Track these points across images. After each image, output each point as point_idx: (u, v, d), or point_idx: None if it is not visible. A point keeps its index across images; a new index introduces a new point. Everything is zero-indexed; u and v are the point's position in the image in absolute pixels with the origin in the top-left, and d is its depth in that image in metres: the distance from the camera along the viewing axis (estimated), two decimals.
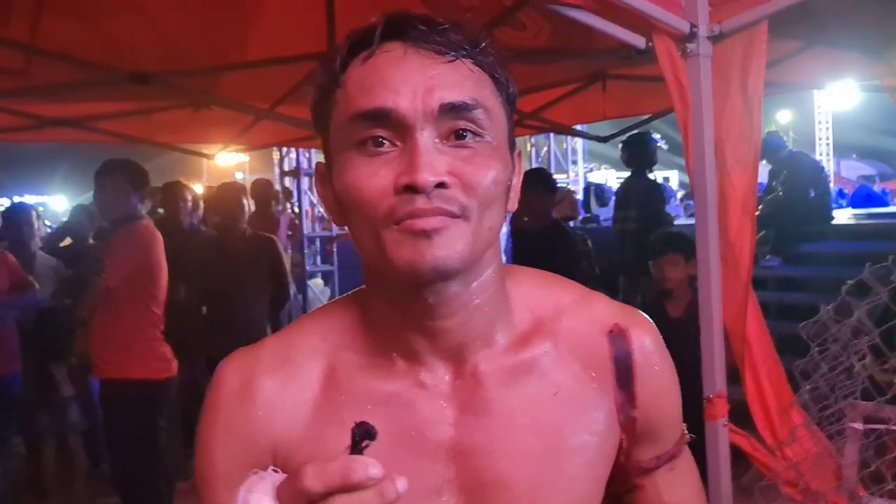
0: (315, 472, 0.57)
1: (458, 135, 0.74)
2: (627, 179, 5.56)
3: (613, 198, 10.44)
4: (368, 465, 0.57)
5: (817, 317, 2.14)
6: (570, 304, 0.86)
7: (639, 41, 2.10)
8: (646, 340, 0.87)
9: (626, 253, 5.26)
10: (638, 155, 5.31)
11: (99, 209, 3.49)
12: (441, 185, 0.71)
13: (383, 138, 0.73)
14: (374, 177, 0.73)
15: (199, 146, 5.54)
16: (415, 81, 0.73)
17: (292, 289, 5.56)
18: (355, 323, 0.84)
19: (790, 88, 4.73)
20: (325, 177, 0.81)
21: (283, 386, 0.82)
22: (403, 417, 0.80)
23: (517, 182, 0.83)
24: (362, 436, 0.60)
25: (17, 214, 4.72)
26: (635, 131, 5.26)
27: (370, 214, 0.73)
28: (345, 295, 0.90)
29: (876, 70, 3.42)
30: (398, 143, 0.73)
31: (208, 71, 3.64)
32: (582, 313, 0.86)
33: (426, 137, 0.72)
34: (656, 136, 5.72)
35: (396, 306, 0.79)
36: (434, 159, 0.72)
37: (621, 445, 0.87)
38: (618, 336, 0.85)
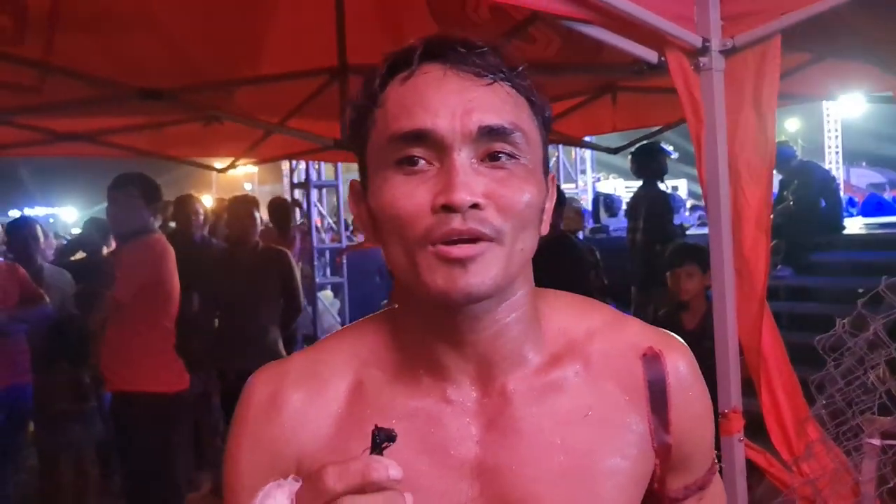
0: (336, 472, 0.57)
1: (494, 156, 0.75)
2: (638, 190, 5.55)
3: (623, 208, 10.44)
4: (389, 466, 0.57)
5: (833, 331, 2.12)
6: (602, 326, 0.86)
7: (651, 56, 2.10)
8: (680, 364, 0.86)
9: (636, 263, 5.26)
10: (647, 166, 5.31)
11: (111, 223, 3.51)
12: (476, 206, 0.72)
13: (420, 157, 0.74)
14: (411, 196, 0.74)
15: (210, 160, 5.57)
16: (454, 103, 0.74)
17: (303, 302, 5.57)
18: (385, 340, 0.85)
19: (801, 100, 4.72)
20: (360, 194, 0.82)
21: (309, 399, 0.83)
22: (428, 433, 0.80)
23: (550, 206, 0.83)
24: (383, 438, 0.61)
25: (22, 228, 4.72)
26: (644, 142, 5.26)
27: (406, 234, 0.74)
28: (377, 313, 0.91)
29: (887, 82, 3.42)
30: (435, 163, 0.74)
31: (220, 86, 3.67)
32: (615, 336, 0.86)
33: (463, 158, 0.73)
34: (668, 147, 5.70)
35: (426, 323, 0.80)
36: (471, 180, 0.73)
37: (655, 472, 0.85)
38: (652, 359, 0.84)
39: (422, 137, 0.74)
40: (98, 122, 4.23)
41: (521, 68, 0.78)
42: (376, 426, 0.61)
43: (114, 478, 4.86)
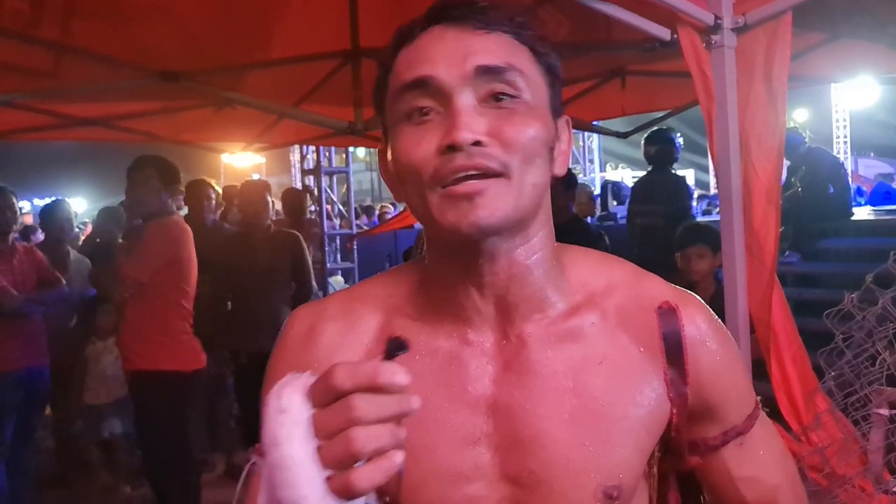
0: (345, 370, 0.59)
1: (497, 97, 0.78)
2: (649, 175, 5.48)
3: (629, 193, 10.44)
4: (396, 372, 0.60)
5: (841, 305, 2.15)
6: (622, 280, 0.89)
7: (664, 33, 2.13)
8: (697, 318, 0.88)
9: (649, 249, 5.20)
10: (662, 150, 5.24)
11: (129, 204, 3.55)
12: (479, 143, 0.75)
13: (427, 108, 0.78)
14: (420, 143, 0.78)
15: (222, 145, 5.61)
16: (452, 51, 0.79)
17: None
18: (414, 285, 0.90)
19: (812, 82, 4.73)
20: (386, 158, 0.86)
21: (343, 332, 0.89)
22: (447, 370, 0.84)
23: (566, 148, 0.86)
24: (395, 346, 0.63)
25: (57, 212, 4.80)
26: (656, 128, 5.24)
27: (419, 178, 0.78)
28: (410, 261, 0.96)
29: None
30: (441, 110, 0.78)
31: (233, 69, 3.70)
32: (633, 291, 0.88)
33: (465, 100, 0.77)
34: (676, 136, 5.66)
35: (449, 267, 0.84)
36: (472, 119, 0.76)
37: (671, 421, 0.87)
38: (667, 313, 0.87)
39: (423, 85, 0.78)
40: (110, 107, 4.27)
41: (520, 20, 0.82)
42: (390, 336, 0.65)
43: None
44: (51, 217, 4.80)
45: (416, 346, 0.84)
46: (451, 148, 0.75)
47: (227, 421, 4.95)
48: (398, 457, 0.59)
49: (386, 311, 0.89)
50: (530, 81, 0.80)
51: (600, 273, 0.89)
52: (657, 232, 5.04)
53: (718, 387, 0.89)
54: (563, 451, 0.82)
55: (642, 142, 5.33)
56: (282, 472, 0.58)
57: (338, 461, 0.58)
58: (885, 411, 2.03)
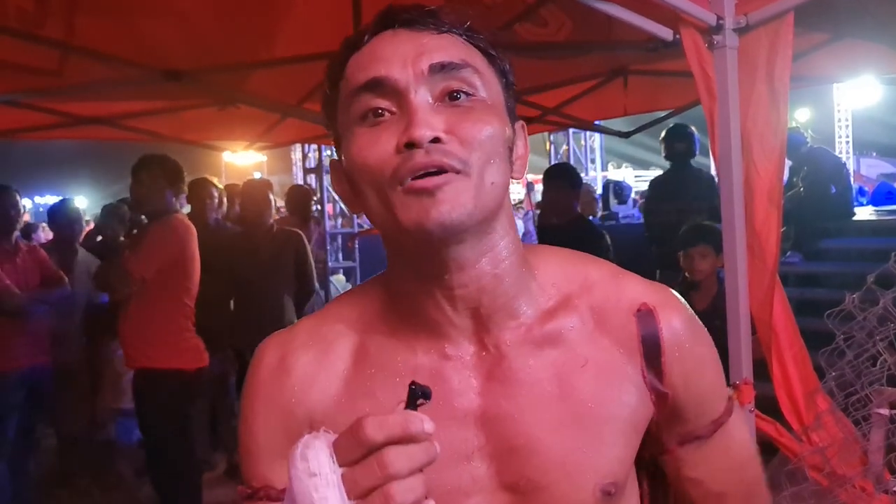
0: (376, 423, 0.59)
1: (452, 96, 0.77)
2: (668, 173, 5.35)
3: (633, 196, 10.42)
4: (425, 421, 0.60)
5: (842, 305, 2.16)
6: (598, 280, 0.88)
7: (666, 33, 2.14)
8: (674, 320, 0.87)
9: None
10: (679, 147, 5.13)
11: (134, 202, 3.58)
12: (437, 140, 0.74)
13: (382, 109, 0.77)
14: (377, 143, 0.76)
15: (224, 144, 5.62)
16: (405, 51, 0.78)
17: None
18: (382, 303, 0.87)
19: (814, 82, 4.72)
20: (339, 170, 0.85)
21: (317, 361, 0.86)
22: (432, 387, 0.83)
23: (523, 151, 0.85)
24: (418, 394, 0.63)
25: (66, 211, 4.80)
26: (673, 124, 5.17)
27: (376, 179, 0.76)
28: (372, 277, 0.94)
29: None
30: (396, 111, 0.77)
31: (236, 68, 3.71)
32: (611, 291, 0.87)
33: (420, 98, 0.76)
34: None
35: (417, 280, 0.81)
36: (430, 116, 0.75)
37: (653, 418, 0.88)
38: (645, 315, 0.86)
39: (377, 85, 0.77)
40: (114, 106, 4.28)
41: (468, 23, 0.82)
42: (413, 382, 0.64)
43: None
44: (59, 217, 4.80)
45: (395, 365, 0.83)
46: (410, 146, 0.73)
47: (230, 420, 4.96)
48: (436, 447, 0.60)
49: (358, 333, 0.87)
50: (486, 80, 0.80)
51: (574, 273, 0.88)
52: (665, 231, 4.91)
53: (689, 391, 0.88)
54: (558, 456, 0.82)
55: (664, 138, 5.17)
56: None
57: None
58: (885, 411, 2.04)
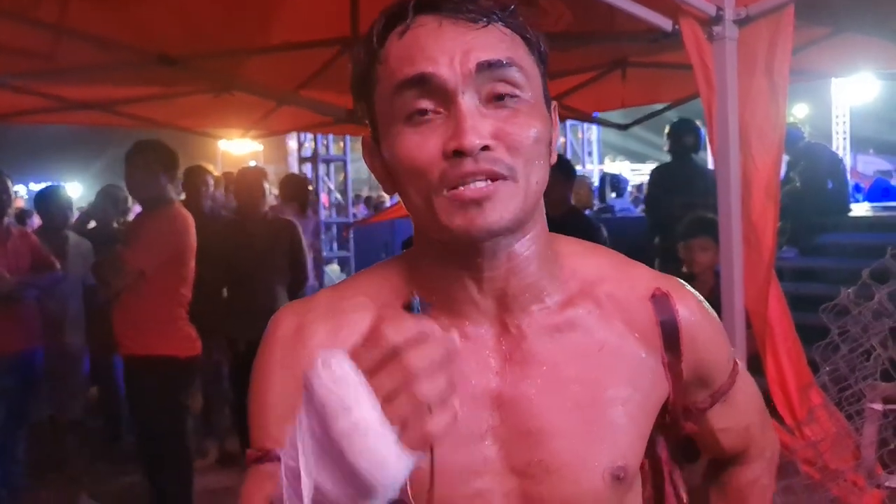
0: (395, 328, 0.60)
1: (499, 97, 0.77)
2: (670, 165, 5.31)
3: (629, 189, 10.43)
4: (434, 324, 0.61)
5: (838, 299, 2.15)
6: (610, 269, 0.90)
7: (665, 24, 2.12)
8: (689, 302, 0.91)
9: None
10: (684, 140, 5.09)
11: (129, 189, 3.54)
12: (486, 147, 0.75)
13: (428, 109, 0.77)
14: (424, 146, 0.76)
15: (220, 131, 5.59)
16: (452, 48, 0.77)
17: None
18: (404, 281, 0.88)
19: (813, 76, 4.71)
20: (373, 148, 0.84)
21: (333, 333, 0.86)
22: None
23: (556, 136, 0.86)
24: (419, 304, 0.66)
25: (54, 198, 4.75)
26: (678, 118, 5.13)
27: (423, 182, 0.77)
28: (396, 255, 0.94)
29: None
30: (442, 111, 0.76)
31: (232, 54, 3.68)
32: (623, 278, 0.90)
33: (468, 101, 0.76)
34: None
35: (444, 263, 0.83)
36: (478, 123, 0.75)
37: (668, 398, 0.91)
38: (661, 300, 0.89)
39: (425, 83, 0.76)
40: (108, 91, 4.25)
41: (511, 7, 0.81)
42: (412, 293, 0.66)
43: (121, 443, 4.96)
44: (47, 203, 4.74)
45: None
46: (458, 153, 0.74)
47: (222, 408, 4.95)
48: (457, 401, 0.60)
49: (376, 309, 0.87)
50: (529, 75, 0.80)
51: (590, 262, 0.91)
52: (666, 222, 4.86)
53: (709, 360, 0.94)
54: (570, 439, 0.83)
55: (672, 131, 5.10)
56: (358, 438, 0.57)
57: (404, 419, 0.58)
58: (878, 406, 2.04)
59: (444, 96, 0.76)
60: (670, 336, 0.88)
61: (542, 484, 0.83)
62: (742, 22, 2.07)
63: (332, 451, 0.58)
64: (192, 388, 3.61)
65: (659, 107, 5.05)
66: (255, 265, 4.29)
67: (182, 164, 3.71)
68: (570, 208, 4.21)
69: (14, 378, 3.88)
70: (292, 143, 9.72)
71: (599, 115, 5.69)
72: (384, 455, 0.57)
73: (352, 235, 7.51)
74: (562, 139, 12.20)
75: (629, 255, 0.97)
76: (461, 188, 0.75)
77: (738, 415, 1.02)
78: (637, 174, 15.49)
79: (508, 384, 0.83)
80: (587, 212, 6.96)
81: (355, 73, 0.83)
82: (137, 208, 3.79)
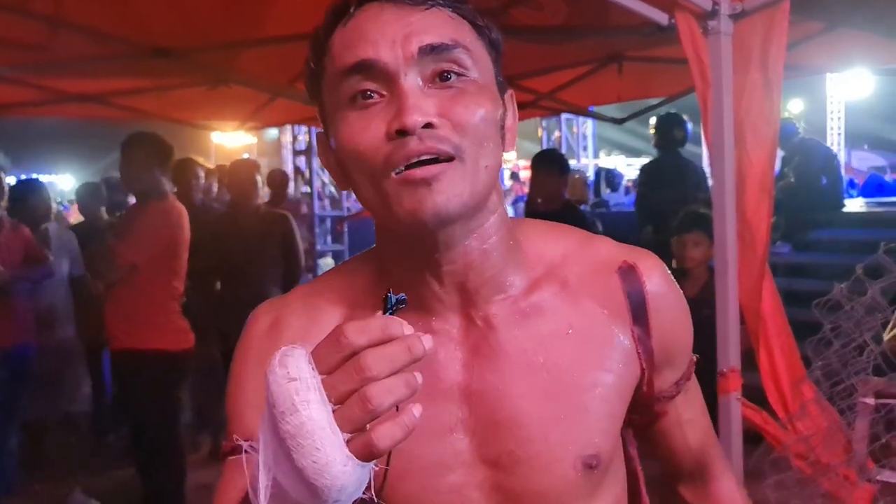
0: (358, 327, 0.58)
1: (443, 76, 0.75)
2: (658, 160, 5.31)
3: (624, 183, 10.43)
4: (404, 325, 0.59)
5: (830, 295, 2.16)
6: (575, 247, 0.89)
7: (661, 18, 2.12)
8: (655, 274, 0.89)
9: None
10: (670, 134, 5.08)
11: (123, 181, 3.52)
12: (430, 125, 0.73)
13: (371, 91, 0.75)
14: (367, 129, 0.74)
15: (213, 123, 5.57)
16: (393, 31, 0.75)
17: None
18: (371, 278, 0.88)
19: (808, 71, 4.72)
20: (325, 143, 0.83)
21: (307, 327, 0.86)
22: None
23: (512, 124, 0.84)
24: (395, 301, 0.63)
25: (28, 193, 4.61)
26: (665, 112, 5.14)
27: (369, 167, 0.75)
28: (362, 252, 0.94)
29: (893, 53, 3.42)
30: (385, 93, 0.75)
31: (227, 47, 3.66)
32: (588, 254, 0.89)
33: (411, 81, 0.74)
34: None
35: (405, 258, 0.82)
36: (421, 101, 0.73)
37: (642, 377, 0.89)
38: (628, 272, 0.87)
39: (366, 68, 0.75)
40: (102, 83, 4.23)
41: None
42: (388, 290, 0.64)
43: (110, 439, 4.95)
44: (19, 198, 4.47)
45: None
46: (402, 133, 0.72)
47: (214, 402, 4.94)
48: (417, 410, 0.59)
49: (347, 306, 0.87)
50: (476, 57, 0.78)
51: (555, 243, 0.89)
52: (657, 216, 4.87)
53: (676, 337, 0.92)
54: (540, 428, 0.82)
55: (659, 125, 5.06)
56: (304, 439, 0.56)
57: (355, 423, 0.57)
58: (870, 401, 2.05)
59: (387, 79, 0.74)
60: (637, 308, 0.87)
61: (513, 475, 0.82)
62: (737, 17, 2.07)
63: (283, 448, 0.57)
64: (184, 381, 3.60)
65: (654, 101, 5.05)
66: (247, 258, 4.28)
67: (175, 157, 3.70)
68: (564, 203, 4.21)
69: (5, 372, 3.87)
70: (286, 136, 9.69)
71: (595, 109, 5.69)
72: (328, 458, 0.56)
73: (346, 229, 7.50)
74: (557, 133, 12.21)
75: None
76: (409, 170, 0.72)
77: (697, 408, 1.00)
78: (632, 168, 15.48)
79: (476, 377, 0.83)
80: (582, 207, 6.97)
81: (306, 71, 0.82)
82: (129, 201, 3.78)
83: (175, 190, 4.75)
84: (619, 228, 5.66)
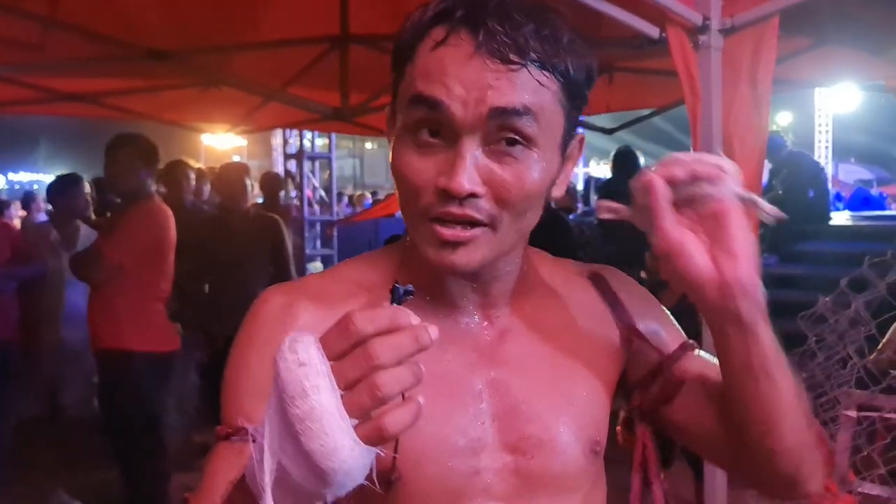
0: (366, 316, 0.60)
1: (508, 141, 0.78)
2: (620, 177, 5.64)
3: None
4: (411, 315, 0.61)
5: (815, 307, 2.19)
6: (553, 264, 1.00)
7: (652, 31, 2.14)
8: (614, 275, 1.02)
9: (617, 244, 5.20)
10: (628, 164, 5.47)
11: (108, 182, 3.52)
12: (474, 195, 0.77)
13: (434, 131, 0.78)
14: (420, 172, 0.79)
15: (203, 125, 5.56)
16: (472, 86, 0.76)
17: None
18: (394, 269, 0.92)
19: (796, 86, 4.77)
20: (391, 118, 0.86)
21: (322, 315, 0.84)
22: (436, 351, 0.83)
23: (570, 167, 0.88)
24: (402, 292, 0.65)
25: (68, 187, 4.53)
26: (623, 147, 5.46)
27: (412, 200, 0.81)
28: (388, 245, 0.97)
29: (880, 70, 3.47)
30: (446, 141, 0.78)
31: (220, 50, 3.67)
32: (565, 270, 1.01)
33: (471, 144, 0.77)
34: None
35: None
36: (473, 170, 0.77)
37: (635, 355, 0.97)
38: (597, 279, 1.00)
39: (434, 107, 0.77)
40: (94, 83, 4.22)
41: (559, 38, 0.78)
42: (396, 282, 0.66)
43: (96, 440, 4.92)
44: (59, 192, 4.54)
45: None
46: (446, 193, 0.77)
47: (198, 404, 4.92)
48: (421, 398, 0.60)
49: (368, 295, 0.88)
50: (545, 124, 0.79)
51: (540, 256, 1.00)
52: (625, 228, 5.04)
53: (649, 310, 1.01)
54: (554, 415, 0.89)
55: (619, 158, 5.53)
56: (312, 423, 0.57)
57: (363, 409, 0.58)
58: (852, 413, 2.07)
59: (451, 129, 0.77)
60: (614, 304, 0.98)
61: (533, 459, 0.87)
62: (727, 32, 2.09)
63: (291, 433, 0.58)
64: (169, 382, 3.58)
65: (645, 112, 5.09)
66: (235, 261, 4.27)
67: (165, 158, 3.69)
68: (550, 212, 4.21)
69: None
70: (277, 139, 9.67)
71: (585, 118, 5.72)
72: (337, 443, 0.57)
73: (335, 233, 7.49)
74: None
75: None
76: (441, 227, 0.79)
77: (711, 365, 0.94)
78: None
79: (496, 368, 0.89)
80: (571, 216, 7.00)
81: (397, 45, 0.83)
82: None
83: (164, 191, 4.76)
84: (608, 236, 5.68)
